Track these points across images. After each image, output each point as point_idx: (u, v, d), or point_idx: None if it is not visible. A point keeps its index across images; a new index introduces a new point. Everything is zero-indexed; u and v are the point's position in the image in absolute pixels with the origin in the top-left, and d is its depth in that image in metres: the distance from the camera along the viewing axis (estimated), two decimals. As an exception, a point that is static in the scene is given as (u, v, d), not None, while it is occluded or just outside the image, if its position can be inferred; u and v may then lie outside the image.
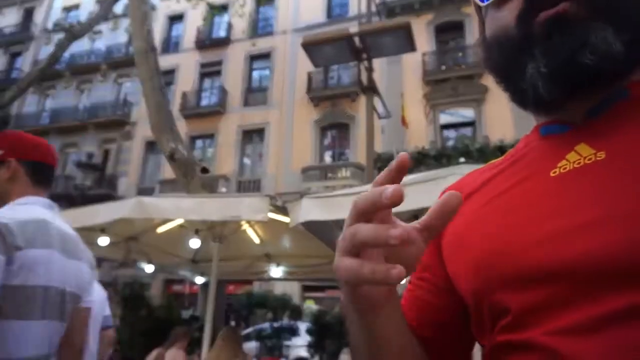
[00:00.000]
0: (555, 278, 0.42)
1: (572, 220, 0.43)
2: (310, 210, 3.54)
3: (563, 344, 0.40)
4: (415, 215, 4.56)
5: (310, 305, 15.58)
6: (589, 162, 0.46)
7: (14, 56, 25.74)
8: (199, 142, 19.78)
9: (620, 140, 0.45)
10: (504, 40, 0.51)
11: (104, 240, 5.38)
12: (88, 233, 5.29)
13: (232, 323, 10.79)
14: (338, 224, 4.44)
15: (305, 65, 14.46)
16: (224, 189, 13.49)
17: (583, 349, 0.38)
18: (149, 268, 7.04)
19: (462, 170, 2.80)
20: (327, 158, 17.61)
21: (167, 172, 16.23)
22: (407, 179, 3.65)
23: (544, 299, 0.42)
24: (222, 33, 20.96)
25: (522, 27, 0.49)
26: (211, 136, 19.35)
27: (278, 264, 6.98)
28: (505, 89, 0.54)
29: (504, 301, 0.46)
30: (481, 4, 0.56)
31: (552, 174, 0.48)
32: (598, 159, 0.45)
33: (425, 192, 2.82)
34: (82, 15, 22.97)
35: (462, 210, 0.55)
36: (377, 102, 7.65)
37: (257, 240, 6.52)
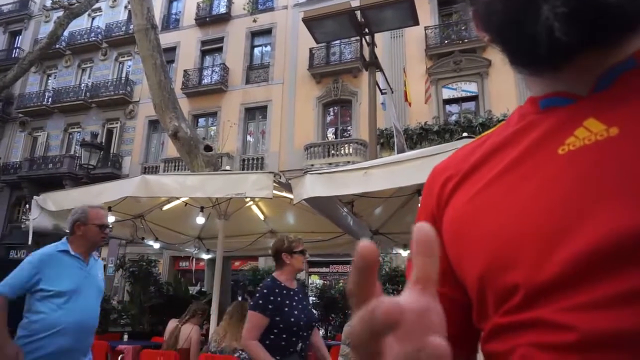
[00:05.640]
0: (575, 260, 0.40)
1: (589, 200, 0.41)
2: (314, 186, 3.57)
3: (576, 319, 0.39)
4: (418, 190, 4.59)
5: (315, 280, 15.83)
6: (600, 138, 0.43)
7: (14, 35, 25.54)
8: (201, 121, 19.76)
9: (633, 114, 0.42)
10: None
11: (110, 219, 5.44)
12: (95, 211, 5.37)
13: (239, 298, 10.99)
14: (341, 200, 4.48)
15: (306, 41, 14.27)
16: (227, 167, 13.52)
17: (599, 324, 0.37)
18: (155, 245, 7.15)
19: (464, 145, 2.80)
20: (330, 135, 17.54)
21: (171, 150, 16.26)
22: (410, 154, 3.67)
23: (559, 277, 0.41)
24: (222, 9, 20.65)
25: None
26: (214, 114, 19.31)
27: (283, 240, 7.05)
28: (506, 47, 0.49)
29: (514, 280, 0.43)
30: None
31: (560, 152, 0.45)
32: (611, 135, 0.42)
33: (428, 167, 2.84)
34: (80, -8, 22.66)
35: (461, 192, 0.53)
36: (379, 77, 7.60)
37: (261, 217, 6.58)
